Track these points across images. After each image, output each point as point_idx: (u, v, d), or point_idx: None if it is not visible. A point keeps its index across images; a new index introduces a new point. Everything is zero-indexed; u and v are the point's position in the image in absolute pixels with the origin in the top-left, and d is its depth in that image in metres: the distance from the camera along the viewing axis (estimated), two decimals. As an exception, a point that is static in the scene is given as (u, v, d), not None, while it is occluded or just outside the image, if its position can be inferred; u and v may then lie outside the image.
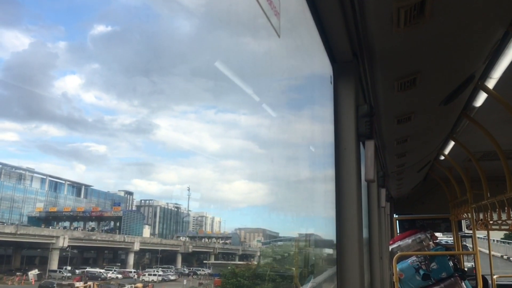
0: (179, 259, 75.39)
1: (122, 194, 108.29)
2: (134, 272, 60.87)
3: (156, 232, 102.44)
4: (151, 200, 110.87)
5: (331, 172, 2.23)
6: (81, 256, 73.88)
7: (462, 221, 9.55)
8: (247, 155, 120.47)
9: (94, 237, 68.66)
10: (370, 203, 4.50)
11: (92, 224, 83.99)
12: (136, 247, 70.38)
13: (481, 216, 6.59)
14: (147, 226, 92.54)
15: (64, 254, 59.67)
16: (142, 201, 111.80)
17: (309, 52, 2.63)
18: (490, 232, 7.25)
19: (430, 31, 2.19)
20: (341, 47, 2.11)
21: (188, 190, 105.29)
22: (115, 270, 60.05)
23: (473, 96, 3.66)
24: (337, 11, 1.82)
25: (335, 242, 2.13)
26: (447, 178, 7.66)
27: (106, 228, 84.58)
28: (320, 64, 2.33)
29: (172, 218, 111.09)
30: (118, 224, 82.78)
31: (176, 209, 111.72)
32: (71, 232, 66.33)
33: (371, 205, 4.50)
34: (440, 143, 5.50)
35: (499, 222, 5.90)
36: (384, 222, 6.41)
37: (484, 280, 7.51)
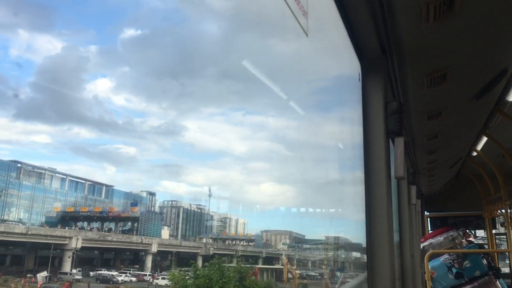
0: (200, 261, 73.60)
1: (144, 194, 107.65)
2: (149, 275, 59.05)
3: (179, 233, 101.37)
4: (174, 201, 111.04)
5: (360, 174, 2.22)
6: (101, 257, 73.76)
7: (496, 218, 9.31)
8: (274, 157, 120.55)
9: (109, 238, 67.24)
10: (400, 200, 4.45)
11: (110, 224, 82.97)
12: (154, 248, 69.24)
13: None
14: (165, 227, 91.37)
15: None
16: (165, 201, 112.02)
17: (337, 50, 2.63)
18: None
19: (460, 25, 2.16)
20: (369, 44, 2.10)
21: (209, 191, 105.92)
22: (129, 273, 58.15)
23: (506, 90, 3.58)
24: (364, 8, 1.82)
25: (364, 245, 2.13)
26: (480, 175, 7.49)
27: (123, 228, 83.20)
28: (348, 62, 2.33)
29: (195, 219, 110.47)
30: (136, 224, 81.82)
31: (199, 210, 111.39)
32: (85, 233, 65.10)
33: (401, 202, 4.45)
34: (472, 139, 5.39)
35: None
36: (415, 220, 6.32)
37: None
